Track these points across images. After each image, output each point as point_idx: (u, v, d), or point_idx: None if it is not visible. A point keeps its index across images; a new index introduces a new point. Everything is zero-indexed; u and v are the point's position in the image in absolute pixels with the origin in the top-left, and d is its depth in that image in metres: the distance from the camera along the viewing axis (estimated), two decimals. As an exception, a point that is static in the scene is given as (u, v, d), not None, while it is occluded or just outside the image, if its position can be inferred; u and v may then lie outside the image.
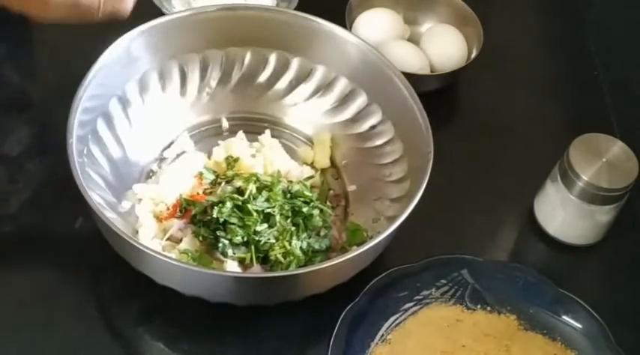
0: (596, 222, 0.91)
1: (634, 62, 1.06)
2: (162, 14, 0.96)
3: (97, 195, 0.82)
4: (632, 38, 1.07)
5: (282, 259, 0.82)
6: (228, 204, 0.83)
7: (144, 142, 0.92)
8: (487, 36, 1.04)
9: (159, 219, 0.86)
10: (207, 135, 0.96)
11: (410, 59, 1.01)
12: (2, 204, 0.89)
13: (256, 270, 0.82)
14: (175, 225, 0.84)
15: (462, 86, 1.07)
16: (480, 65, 1.03)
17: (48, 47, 1.02)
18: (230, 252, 0.82)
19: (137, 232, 0.84)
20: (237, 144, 0.92)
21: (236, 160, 0.90)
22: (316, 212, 0.86)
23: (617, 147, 0.89)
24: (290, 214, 0.85)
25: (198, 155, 0.92)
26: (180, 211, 0.85)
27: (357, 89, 0.94)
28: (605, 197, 0.87)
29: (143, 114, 0.92)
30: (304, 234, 0.84)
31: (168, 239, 0.84)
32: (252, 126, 0.97)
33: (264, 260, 0.83)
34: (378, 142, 0.93)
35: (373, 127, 0.93)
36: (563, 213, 0.91)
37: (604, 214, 0.90)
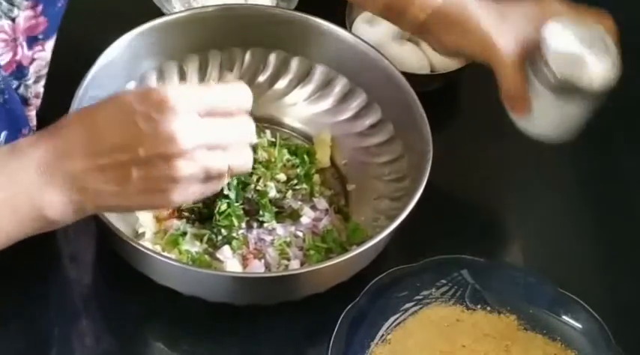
0: (567, 114, 0.87)
1: (634, 62, 1.06)
2: (162, 14, 0.96)
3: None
4: (632, 38, 1.07)
5: None
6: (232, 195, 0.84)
7: (144, 143, 0.92)
8: (487, 36, 1.03)
9: (159, 219, 0.86)
10: (207, 136, 0.96)
11: (410, 59, 1.01)
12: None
13: (256, 267, 0.82)
14: (175, 225, 0.85)
15: (462, 86, 1.07)
16: (480, 65, 1.03)
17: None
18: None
19: (137, 233, 0.84)
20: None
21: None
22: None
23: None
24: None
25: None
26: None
27: (357, 89, 0.94)
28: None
29: (143, 115, 0.91)
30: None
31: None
32: (252, 126, 0.97)
33: None
34: (378, 141, 0.93)
35: (373, 126, 0.93)
36: (535, 105, 0.87)
37: (574, 106, 0.86)
